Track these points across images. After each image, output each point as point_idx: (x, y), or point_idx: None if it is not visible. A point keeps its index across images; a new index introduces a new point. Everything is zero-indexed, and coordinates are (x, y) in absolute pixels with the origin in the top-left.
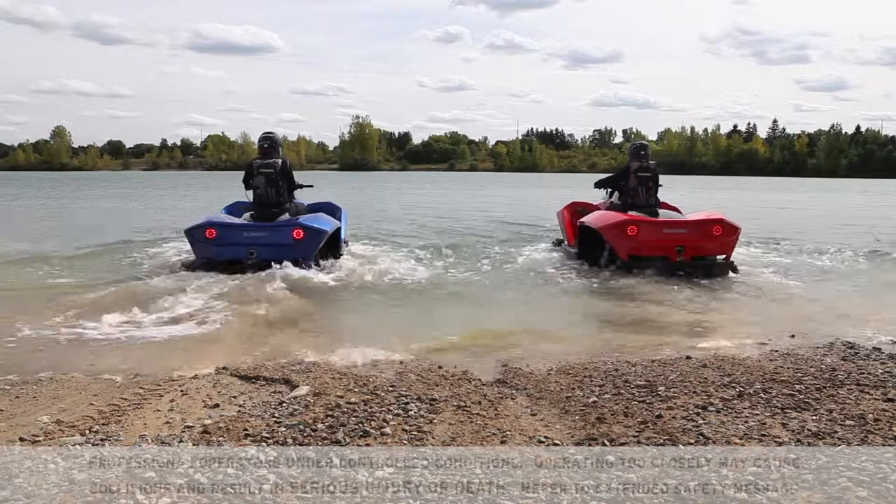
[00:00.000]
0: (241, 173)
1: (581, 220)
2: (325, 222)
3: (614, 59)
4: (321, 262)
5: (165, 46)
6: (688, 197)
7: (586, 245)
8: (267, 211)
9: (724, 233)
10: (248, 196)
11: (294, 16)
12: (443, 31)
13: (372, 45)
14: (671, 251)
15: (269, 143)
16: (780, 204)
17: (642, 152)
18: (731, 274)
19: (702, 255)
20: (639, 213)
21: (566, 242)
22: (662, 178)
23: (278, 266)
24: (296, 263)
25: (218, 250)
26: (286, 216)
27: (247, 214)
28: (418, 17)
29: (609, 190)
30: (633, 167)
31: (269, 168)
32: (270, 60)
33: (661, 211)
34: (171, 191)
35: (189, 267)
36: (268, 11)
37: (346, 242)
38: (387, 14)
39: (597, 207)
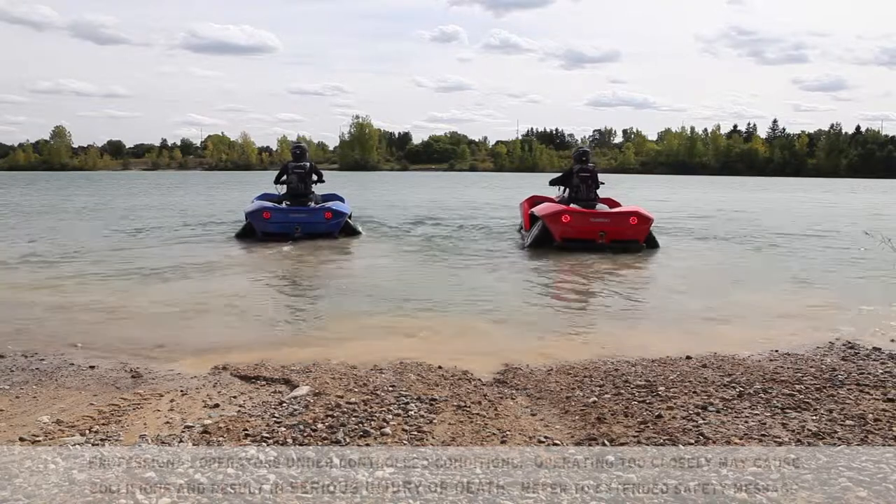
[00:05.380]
0: (244, 173)
1: (532, 209)
2: (345, 207)
3: (612, 58)
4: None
5: (161, 46)
6: (691, 195)
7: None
8: (298, 199)
9: (638, 222)
10: (278, 189)
11: (289, 16)
12: (439, 30)
13: (369, 45)
14: (595, 235)
15: (300, 150)
16: (777, 203)
17: (584, 157)
18: (652, 250)
19: (620, 239)
20: (577, 206)
21: (523, 228)
22: (660, 178)
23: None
24: (324, 235)
25: (272, 226)
26: (312, 203)
27: (284, 202)
28: (414, 17)
29: (561, 187)
30: (575, 169)
31: (301, 168)
32: (268, 60)
33: (599, 204)
34: (197, 188)
35: (243, 238)
36: (263, 12)
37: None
38: (382, 14)
39: (552, 200)
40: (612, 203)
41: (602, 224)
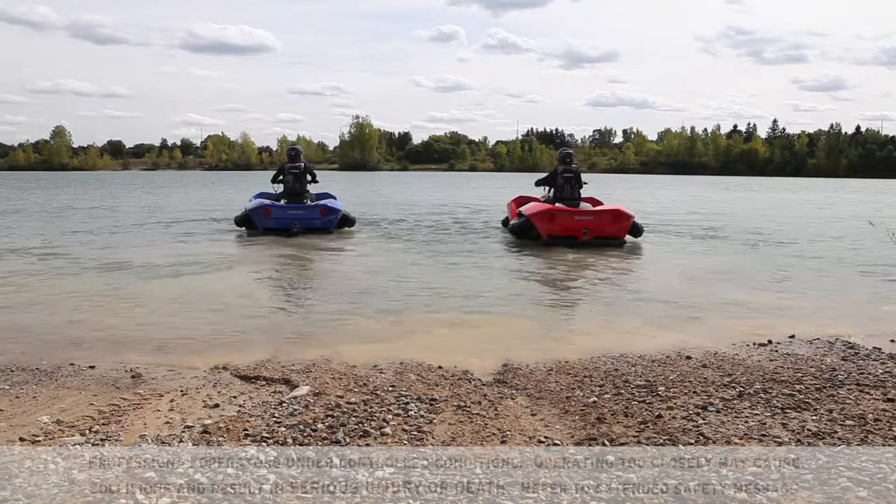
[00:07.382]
0: (244, 173)
1: (519, 209)
2: (339, 204)
3: (611, 58)
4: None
5: (160, 46)
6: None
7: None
8: (295, 198)
9: (620, 220)
10: (275, 188)
11: (288, 16)
12: (437, 30)
13: (367, 44)
14: (579, 232)
15: (295, 152)
16: (777, 202)
17: (567, 159)
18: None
19: (602, 235)
20: (562, 205)
21: (509, 220)
22: (659, 178)
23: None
24: (319, 230)
25: (272, 222)
26: (308, 202)
27: (282, 200)
28: (413, 17)
29: (546, 187)
30: (560, 170)
31: (296, 169)
32: (267, 60)
33: (582, 203)
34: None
35: (243, 228)
36: (261, 11)
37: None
38: (380, 14)
39: (538, 200)
40: (594, 202)
41: (585, 222)
